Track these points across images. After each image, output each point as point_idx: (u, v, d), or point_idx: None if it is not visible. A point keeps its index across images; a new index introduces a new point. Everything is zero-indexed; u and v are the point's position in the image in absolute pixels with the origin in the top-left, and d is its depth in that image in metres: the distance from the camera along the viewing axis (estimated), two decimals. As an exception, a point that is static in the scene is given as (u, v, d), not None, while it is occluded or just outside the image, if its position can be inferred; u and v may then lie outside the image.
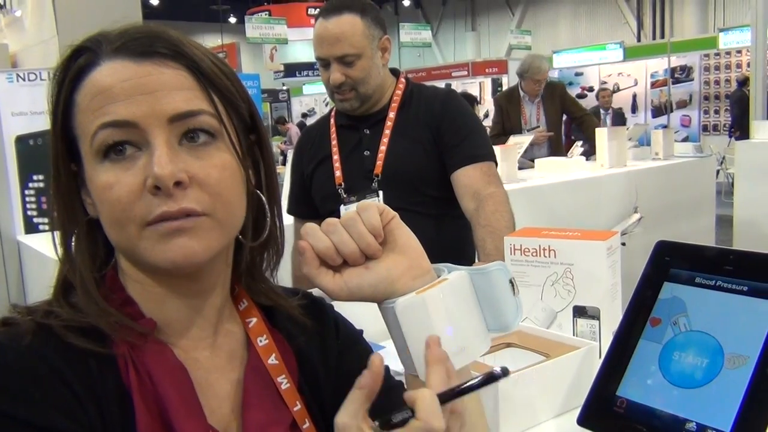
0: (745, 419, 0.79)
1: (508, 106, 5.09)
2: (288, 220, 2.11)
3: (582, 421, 0.93)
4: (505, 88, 12.06)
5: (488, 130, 4.57)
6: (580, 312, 1.21)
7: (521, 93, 5.10)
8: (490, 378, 0.57)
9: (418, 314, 0.69)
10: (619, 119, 8.95)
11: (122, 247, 0.69)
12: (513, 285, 0.73)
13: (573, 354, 1.06)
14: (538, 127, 5.05)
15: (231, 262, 0.77)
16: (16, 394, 0.61)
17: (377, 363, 0.59)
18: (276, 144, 11.42)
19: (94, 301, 0.68)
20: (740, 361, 0.84)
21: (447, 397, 0.57)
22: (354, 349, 0.86)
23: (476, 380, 0.58)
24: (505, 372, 0.58)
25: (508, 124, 5.03)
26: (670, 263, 0.96)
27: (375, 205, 0.73)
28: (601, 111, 8.63)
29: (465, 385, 0.58)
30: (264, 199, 0.76)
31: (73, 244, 0.71)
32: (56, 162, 0.70)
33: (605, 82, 12.71)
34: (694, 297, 0.92)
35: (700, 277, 0.92)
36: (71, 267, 0.70)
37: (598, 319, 1.19)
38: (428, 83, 2.11)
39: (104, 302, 0.69)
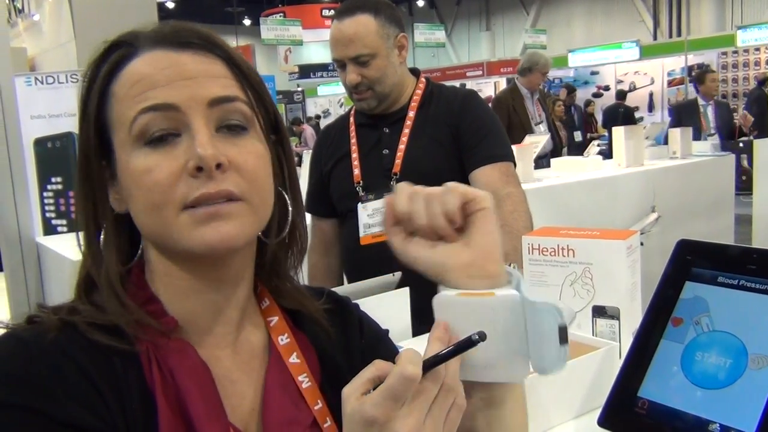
0: (770, 420, 0.78)
1: (514, 103, 5.12)
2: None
3: (603, 421, 0.92)
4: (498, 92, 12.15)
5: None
6: (599, 312, 1.20)
7: (522, 90, 5.13)
8: (469, 343, 0.61)
9: (448, 314, 0.68)
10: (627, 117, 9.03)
11: (156, 232, 0.69)
12: (562, 331, 0.65)
13: (593, 354, 1.05)
14: (542, 122, 5.08)
15: (254, 259, 0.77)
16: (40, 389, 0.61)
17: (405, 364, 0.59)
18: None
19: (117, 299, 0.69)
20: (765, 361, 0.82)
21: (431, 363, 0.60)
22: (379, 348, 0.86)
23: (453, 347, 0.62)
24: (482, 336, 0.61)
25: (516, 119, 5.04)
26: (692, 262, 0.95)
27: (464, 190, 0.71)
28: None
29: (444, 351, 0.61)
30: (287, 196, 0.77)
31: (101, 239, 0.72)
32: (87, 155, 0.71)
33: (621, 81, 12.63)
34: (716, 296, 0.90)
35: (722, 276, 0.91)
36: (96, 264, 0.71)
37: (618, 319, 1.18)
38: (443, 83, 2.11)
39: (127, 299, 0.69)
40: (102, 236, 0.72)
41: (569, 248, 1.22)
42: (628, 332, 1.16)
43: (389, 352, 0.87)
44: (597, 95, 10.66)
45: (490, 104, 4.95)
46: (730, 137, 6.08)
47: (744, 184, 6.49)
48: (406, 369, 0.59)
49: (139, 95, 0.67)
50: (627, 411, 0.89)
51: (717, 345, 0.87)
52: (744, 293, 0.88)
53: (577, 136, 8.82)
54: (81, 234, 0.73)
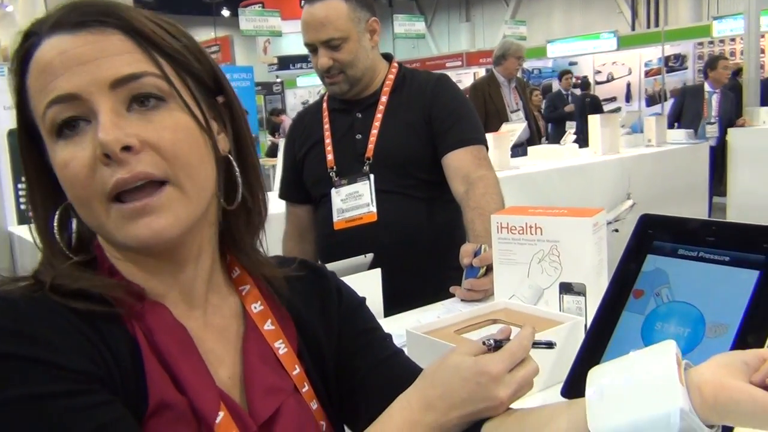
0: (725, 386, 0.80)
1: (491, 90, 5.14)
2: (280, 206, 2.12)
3: (566, 392, 0.93)
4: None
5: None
6: (566, 288, 1.22)
7: (499, 78, 5.16)
8: (549, 344, 0.86)
9: None
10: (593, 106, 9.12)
11: (93, 225, 0.68)
12: None
13: (558, 328, 1.07)
14: (518, 110, 5.11)
15: (213, 227, 0.76)
16: (35, 339, 0.60)
17: (506, 329, 0.81)
18: (270, 138, 11.41)
19: (82, 271, 0.68)
20: (721, 329, 0.84)
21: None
22: (357, 316, 0.88)
23: (544, 342, 0.83)
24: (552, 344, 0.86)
25: (492, 107, 5.07)
26: (654, 236, 0.96)
27: None
28: (562, 92, 9.15)
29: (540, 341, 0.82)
30: (234, 162, 0.75)
31: (55, 227, 0.70)
32: (21, 151, 0.70)
33: (600, 72, 12.71)
34: (676, 268, 0.92)
35: (682, 248, 0.93)
36: (52, 250, 0.70)
37: (584, 295, 1.20)
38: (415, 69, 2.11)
39: (92, 272, 0.69)
40: (55, 224, 0.70)
41: (537, 226, 1.23)
42: (593, 308, 1.18)
43: (367, 320, 0.89)
44: (575, 86, 10.71)
45: (467, 93, 4.97)
46: (730, 127, 6.14)
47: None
48: (526, 338, 0.77)
49: (44, 88, 0.65)
50: (589, 381, 0.91)
51: (676, 315, 0.89)
52: (703, 264, 0.90)
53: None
54: (34, 225, 0.72)
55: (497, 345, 0.77)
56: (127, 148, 0.63)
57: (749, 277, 0.85)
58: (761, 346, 0.81)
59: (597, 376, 0.68)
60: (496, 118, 4.89)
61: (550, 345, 0.85)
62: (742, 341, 0.82)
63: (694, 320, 0.87)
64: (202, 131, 0.69)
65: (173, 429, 0.65)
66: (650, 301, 0.92)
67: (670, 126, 6.05)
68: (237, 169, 0.75)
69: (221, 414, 0.68)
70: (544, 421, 0.71)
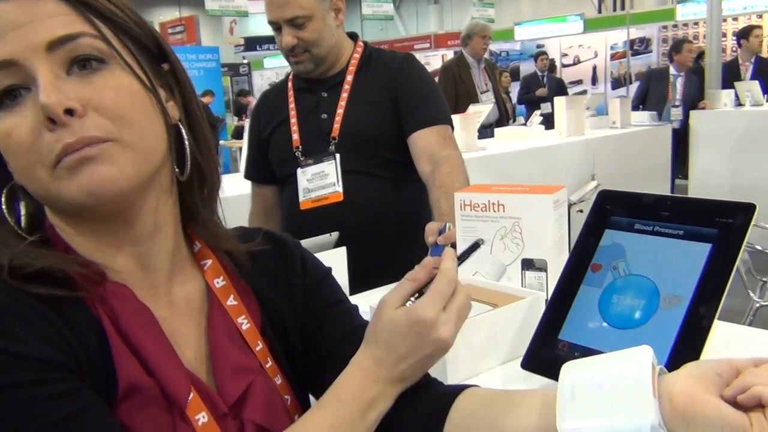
0: (679, 355, 0.82)
1: (461, 71, 5.15)
2: (246, 187, 2.10)
3: (525, 364, 0.95)
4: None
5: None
6: (528, 265, 1.24)
7: (468, 59, 5.18)
8: (475, 246, 0.88)
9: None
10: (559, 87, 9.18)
11: (40, 195, 0.67)
12: None
13: (519, 303, 1.08)
14: (488, 91, 5.14)
15: (174, 200, 0.75)
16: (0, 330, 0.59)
17: (430, 262, 0.76)
18: (237, 121, 11.28)
19: (38, 249, 0.66)
20: (675, 301, 0.87)
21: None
22: (322, 286, 0.87)
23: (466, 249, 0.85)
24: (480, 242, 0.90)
25: (462, 88, 5.08)
26: (611, 211, 0.99)
27: None
28: (538, 73, 9.11)
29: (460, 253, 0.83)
30: (183, 129, 0.73)
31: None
32: None
33: (566, 54, 12.80)
34: (632, 242, 0.94)
35: (638, 223, 0.95)
36: (5, 230, 0.68)
37: (546, 271, 1.22)
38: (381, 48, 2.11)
39: (48, 250, 0.67)
40: (3, 205, 0.68)
41: (499, 204, 1.25)
42: (555, 283, 1.20)
43: (333, 292, 0.88)
44: (542, 69, 10.79)
45: (436, 75, 4.98)
46: (693, 109, 6.24)
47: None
48: (450, 271, 0.74)
49: None
50: (548, 353, 0.93)
51: (632, 288, 0.91)
52: (658, 238, 0.92)
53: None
54: None
55: (420, 293, 0.75)
56: (69, 112, 0.62)
57: (702, 250, 0.87)
58: (713, 316, 0.84)
59: (570, 373, 0.68)
60: (466, 99, 4.91)
61: (476, 245, 0.86)
62: (694, 312, 0.85)
63: (649, 292, 0.89)
64: (148, 92, 0.68)
65: (145, 412, 0.65)
66: (607, 274, 0.94)
67: (635, 108, 6.13)
68: (187, 136, 0.74)
69: (191, 395, 0.67)
70: (516, 412, 0.71)
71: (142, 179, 0.68)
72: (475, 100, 5.05)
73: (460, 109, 4.73)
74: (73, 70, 0.64)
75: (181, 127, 0.74)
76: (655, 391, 0.61)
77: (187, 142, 0.74)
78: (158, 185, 0.72)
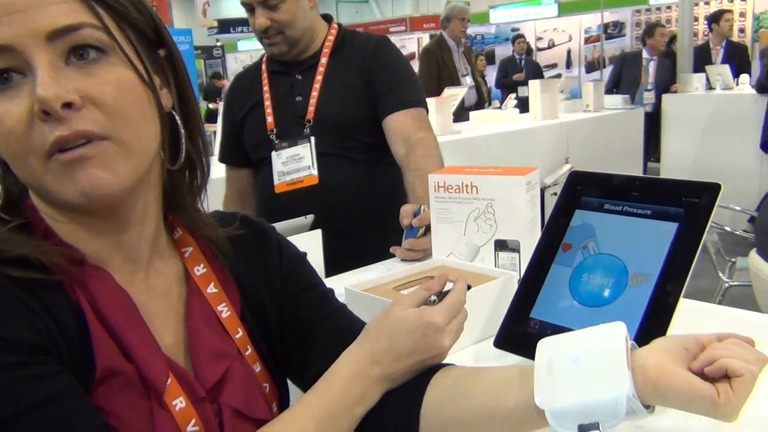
0: (646, 330, 0.84)
1: (443, 54, 5.15)
2: (221, 170, 2.09)
3: (498, 343, 0.97)
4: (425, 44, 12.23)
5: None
6: (501, 245, 1.25)
7: (448, 41, 5.18)
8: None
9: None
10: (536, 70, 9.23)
11: (30, 183, 0.66)
12: None
13: (492, 283, 1.10)
14: (468, 74, 5.15)
15: (157, 188, 0.74)
16: None
17: (443, 275, 0.84)
18: (210, 104, 11.15)
19: (18, 234, 0.66)
20: (642, 279, 0.89)
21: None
22: (299, 271, 0.88)
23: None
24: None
25: (445, 71, 5.08)
26: (582, 192, 1.00)
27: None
28: (516, 56, 9.12)
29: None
30: (178, 118, 0.73)
31: None
32: None
33: (541, 38, 12.83)
34: (602, 222, 0.96)
35: (608, 203, 0.97)
36: None
37: (519, 251, 1.24)
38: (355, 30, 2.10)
39: (28, 235, 0.67)
40: None
41: (473, 185, 1.26)
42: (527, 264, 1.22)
43: (309, 276, 0.89)
44: (519, 52, 10.83)
45: (412, 59, 4.97)
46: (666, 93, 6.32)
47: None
48: (462, 292, 0.82)
49: None
50: (520, 331, 0.95)
51: (601, 267, 0.93)
52: (627, 218, 0.94)
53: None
54: None
55: (439, 298, 0.81)
56: (67, 105, 0.61)
57: (669, 229, 0.89)
58: (679, 293, 0.86)
59: (547, 349, 0.70)
60: (449, 83, 4.90)
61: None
62: (661, 289, 0.87)
63: (618, 271, 0.91)
64: (145, 86, 0.67)
65: (122, 396, 0.65)
66: (578, 254, 0.96)
67: (609, 92, 6.19)
68: (181, 125, 0.73)
69: (169, 380, 0.68)
70: (494, 388, 0.73)
71: (135, 180, 0.68)
72: (458, 83, 5.05)
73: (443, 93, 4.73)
74: (72, 60, 0.63)
75: (175, 115, 0.73)
76: (629, 363, 0.64)
77: (182, 131, 0.73)
78: (148, 180, 0.72)
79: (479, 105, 5.42)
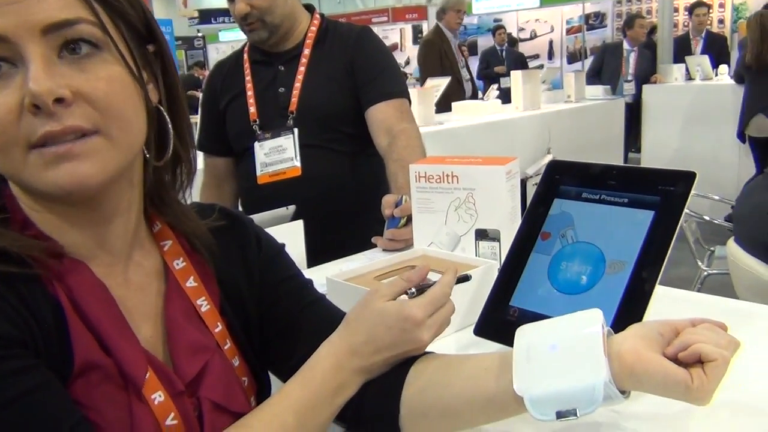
0: (623, 317, 0.86)
1: (444, 46, 5.15)
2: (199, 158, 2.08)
3: (478, 331, 0.98)
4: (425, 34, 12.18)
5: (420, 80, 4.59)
6: (481, 235, 1.26)
7: (447, 33, 5.18)
8: (465, 278, 0.90)
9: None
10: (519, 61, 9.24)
11: (8, 173, 0.66)
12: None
13: (472, 272, 1.11)
14: (465, 66, 5.17)
15: (139, 183, 0.74)
16: None
17: (426, 267, 0.83)
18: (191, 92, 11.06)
19: None
20: (619, 266, 0.90)
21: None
22: (276, 262, 0.88)
23: (459, 277, 0.87)
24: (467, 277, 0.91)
25: (447, 63, 5.08)
26: (560, 181, 1.01)
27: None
28: (497, 47, 9.18)
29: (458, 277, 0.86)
30: (165, 113, 0.73)
31: None
32: None
33: (523, 29, 12.86)
34: (580, 211, 0.97)
35: (586, 192, 0.98)
36: None
37: (499, 240, 1.25)
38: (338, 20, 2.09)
39: (6, 226, 0.67)
40: None
41: (453, 175, 1.27)
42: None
43: (287, 267, 0.90)
44: (500, 43, 10.84)
45: (394, 50, 4.96)
46: (646, 84, 6.38)
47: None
48: (448, 285, 0.81)
49: None
50: (499, 319, 0.96)
51: (579, 255, 0.94)
52: (604, 206, 0.95)
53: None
54: None
55: (419, 291, 0.80)
56: (59, 100, 0.60)
57: (645, 217, 0.91)
58: (655, 280, 0.88)
59: (525, 336, 0.71)
60: (450, 75, 4.89)
61: (466, 278, 0.90)
62: (637, 276, 0.88)
63: (596, 259, 0.92)
64: (136, 82, 0.67)
65: (100, 389, 0.65)
66: (556, 242, 0.97)
67: (590, 81, 6.23)
68: (169, 120, 0.73)
69: (148, 374, 0.68)
70: (474, 375, 0.74)
71: (118, 173, 0.68)
72: (459, 75, 5.05)
73: (448, 88, 4.69)
74: (64, 54, 0.63)
75: (162, 110, 0.73)
76: (605, 350, 0.65)
77: (170, 126, 0.73)
78: (131, 173, 0.72)
79: (474, 96, 5.43)
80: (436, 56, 5.13)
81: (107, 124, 0.64)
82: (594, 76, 6.78)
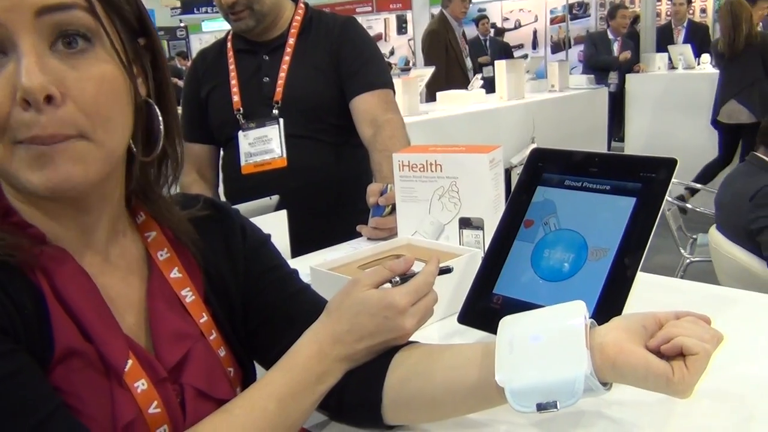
0: (605, 303, 0.86)
1: (449, 36, 5.13)
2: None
3: (462, 319, 0.98)
4: (410, 25, 12.14)
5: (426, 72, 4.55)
6: (465, 223, 1.27)
7: (452, 22, 5.15)
8: (447, 270, 0.90)
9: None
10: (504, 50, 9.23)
11: None
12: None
13: (456, 260, 1.11)
14: (467, 56, 5.15)
15: (123, 177, 0.74)
16: None
17: (409, 258, 0.84)
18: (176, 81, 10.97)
19: None
20: (601, 253, 0.90)
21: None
22: (261, 252, 0.88)
23: (441, 268, 0.87)
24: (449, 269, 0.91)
25: (452, 54, 5.07)
26: (543, 168, 1.01)
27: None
28: (480, 37, 9.08)
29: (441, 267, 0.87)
30: (156, 108, 0.72)
31: None
32: None
33: (507, 19, 12.86)
34: (563, 198, 0.98)
35: (569, 179, 0.98)
36: None
37: (483, 229, 1.25)
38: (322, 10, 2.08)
39: None
40: None
41: (437, 163, 1.27)
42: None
43: (272, 257, 0.89)
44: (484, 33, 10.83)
45: (379, 40, 4.94)
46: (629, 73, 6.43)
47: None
48: (431, 274, 0.81)
49: None
50: (483, 306, 0.96)
51: (562, 242, 0.94)
52: (586, 194, 0.96)
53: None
54: None
55: (403, 280, 0.81)
56: (49, 99, 0.60)
57: (627, 204, 0.91)
58: (636, 266, 0.88)
59: (508, 327, 0.71)
60: (456, 67, 4.86)
61: (448, 270, 0.90)
62: (619, 263, 0.89)
63: (578, 246, 0.93)
64: (126, 77, 0.67)
65: (81, 375, 0.64)
66: (539, 230, 0.97)
67: (586, 71, 6.27)
68: (159, 114, 0.73)
69: (130, 362, 0.68)
70: (456, 365, 0.74)
71: (104, 174, 0.67)
72: (464, 67, 5.02)
73: (452, 78, 4.64)
74: (57, 47, 0.62)
75: (153, 104, 0.72)
76: (587, 343, 0.65)
77: (161, 120, 0.73)
78: (114, 171, 0.71)
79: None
80: (441, 47, 5.09)
81: (94, 127, 0.64)
82: (591, 65, 6.80)
